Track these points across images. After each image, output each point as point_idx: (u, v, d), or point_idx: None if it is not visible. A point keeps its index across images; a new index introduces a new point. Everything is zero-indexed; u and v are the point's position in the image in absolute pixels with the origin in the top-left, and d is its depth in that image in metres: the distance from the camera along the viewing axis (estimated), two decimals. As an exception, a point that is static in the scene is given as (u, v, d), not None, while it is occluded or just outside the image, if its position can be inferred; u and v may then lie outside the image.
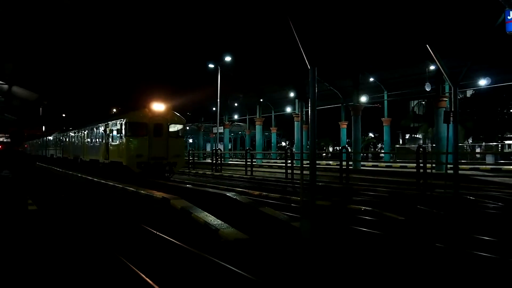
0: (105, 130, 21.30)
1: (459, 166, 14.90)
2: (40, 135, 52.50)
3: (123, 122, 18.99)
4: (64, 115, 57.44)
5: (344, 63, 26.55)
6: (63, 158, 32.90)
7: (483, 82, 27.48)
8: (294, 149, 33.65)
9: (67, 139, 31.89)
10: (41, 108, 49.47)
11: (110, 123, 20.73)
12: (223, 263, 6.26)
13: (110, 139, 20.43)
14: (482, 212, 11.19)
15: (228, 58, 28.93)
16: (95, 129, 23.24)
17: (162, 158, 19.03)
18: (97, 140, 22.74)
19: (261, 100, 42.71)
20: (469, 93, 46.18)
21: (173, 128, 20.02)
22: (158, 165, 19.02)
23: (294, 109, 40.51)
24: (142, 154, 18.52)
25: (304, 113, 34.92)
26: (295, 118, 40.05)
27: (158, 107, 19.40)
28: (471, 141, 46.14)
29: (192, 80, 32.11)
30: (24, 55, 25.61)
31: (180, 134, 20.55)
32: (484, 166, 26.68)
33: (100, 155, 21.68)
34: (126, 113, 20.12)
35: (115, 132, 19.99)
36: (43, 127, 50.67)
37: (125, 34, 22.25)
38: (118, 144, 19.55)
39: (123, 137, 18.94)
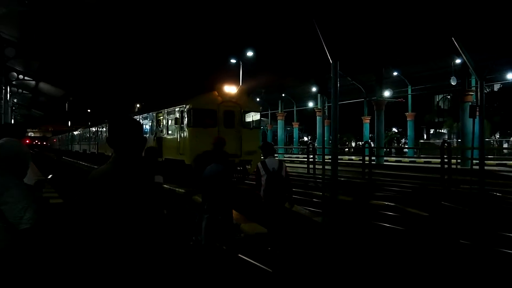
0: (156, 121, 18.35)
1: (485, 161, 14.60)
2: (67, 129, 53.58)
3: (186, 109, 15.44)
4: (89, 110, 58.56)
5: (367, 57, 26.18)
6: (98, 154, 29.78)
7: (511, 76, 26.76)
8: (316, 144, 33.44)
9: (104, 133, 28.58)
10: (67, 104, 50.54)
11: (165, 111, 17.70)
12: (244, 257, 6.32)
13: (164, 132, 17.30)
14: (509, 208, 10.95)
15: (250, 53, 28.90)
16: (142, 120, 19.78)
17: (234, 156, 14.43)
18: (146, 133, 19.03)
19: (283, 94, 42.53)
20: (496, 86, 44.99)
21: (248, 117, 16.58)
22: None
23: (316, 103, 40.22)
24: None
25: (326, 107, 34.67)
26: (317, 112, 39.76)
27: (230, 89, 15.96)
28: (498, 136, 45.04)
29: (214, 75, 32.22)
30: (50, 52, 26.15)
31: (255, 125, 16.87)
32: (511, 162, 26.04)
33: None
34: (189, 99, 16.29)
35: (172, 123, 16.78)
36: (69, 122, 51.83)
37: (146, 30, 22.46)
38: (176, 137, 16.14)
39: (185, 129, 15.40)
